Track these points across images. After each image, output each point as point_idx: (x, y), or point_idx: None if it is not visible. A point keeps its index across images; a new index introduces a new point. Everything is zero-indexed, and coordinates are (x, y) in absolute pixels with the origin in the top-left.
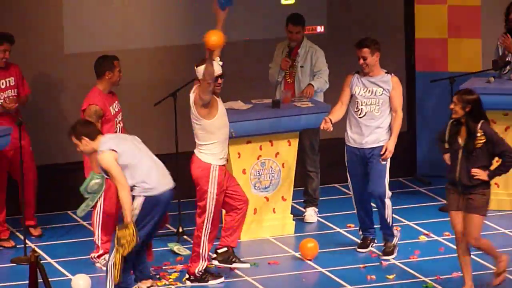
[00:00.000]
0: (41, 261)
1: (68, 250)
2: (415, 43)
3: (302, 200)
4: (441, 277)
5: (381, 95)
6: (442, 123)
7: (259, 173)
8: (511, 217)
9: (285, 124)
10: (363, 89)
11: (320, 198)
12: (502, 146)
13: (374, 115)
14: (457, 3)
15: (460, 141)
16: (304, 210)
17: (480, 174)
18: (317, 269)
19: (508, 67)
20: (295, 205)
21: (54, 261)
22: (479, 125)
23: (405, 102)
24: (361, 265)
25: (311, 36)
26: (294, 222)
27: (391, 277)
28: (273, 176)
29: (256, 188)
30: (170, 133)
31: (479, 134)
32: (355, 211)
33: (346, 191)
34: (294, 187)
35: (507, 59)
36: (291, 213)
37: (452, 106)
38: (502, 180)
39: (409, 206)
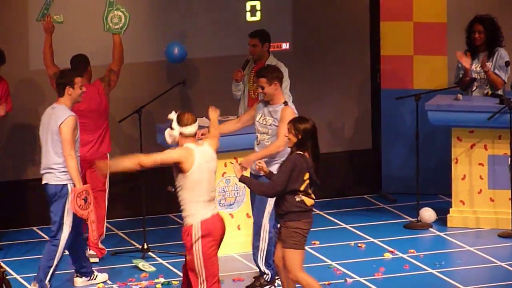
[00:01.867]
0: (7, 277)
1: (34, 265)
2: (381, 60)
3: None
4: None
5: (270, 125)
6: (407, 140)
7: (224, 190)
8: (475, 235)
9: (250, 141)
10: (262, 117)
11: None
12: (276, 175)
13: (264, 144)
14: (423, 20)
15: None
16: None
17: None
18: (280, 285)
19: (475, 84)
20: None
21: (20, 277)
22: (293, 153)
23: (371, 119)
24: (326, 282)
25: (277, 52)
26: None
27: None
28: (238, 193)
29: (221, 205)
30: (135, 150)
31: None
32: (318, 228)
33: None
34: None
35: (471, 77)
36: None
37: (286, 133)
38: (467, 198)
39: (374, 223)
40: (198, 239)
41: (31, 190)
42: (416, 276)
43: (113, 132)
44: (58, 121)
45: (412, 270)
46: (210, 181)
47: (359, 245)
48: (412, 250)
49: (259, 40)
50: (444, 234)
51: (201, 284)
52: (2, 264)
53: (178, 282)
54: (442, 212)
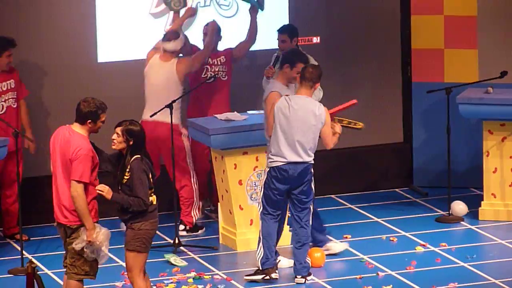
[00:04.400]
0: (38, 272)
1: None
2: (412, 53)
3: None
4: None
5: None
6: (438, 133)
7: (255, 184)
8: (507, 228)
9: None
10: None
11: (316, 209)
12: (136, 189)
13: None
14: (454, 13)
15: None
16: None
17: (104, 190)
18: (313, 280)
19: None
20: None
21: (51, 272)
22: (132, 159)
23: (402, 112)
24: (358, 276)
25: (307, 46)
26: (290, 233)
27: None
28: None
29: (252, 199)
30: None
31: (127, 170)
32: (350, 222)
33: (342, 201)
34: None
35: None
36: (287, 224)
37: (114, 137)
38: (499, 191)
39: (406, 217)
40: None
41: None
42: (447, 269)
43: None
44: None
45: (444, 263)
46: None
47: (391, 238)
48: (443, 244)
49: (288, 36)
50: (476, 227)
51: None
52: (33, 259)
53: (210, 276)
54: (474, 205)
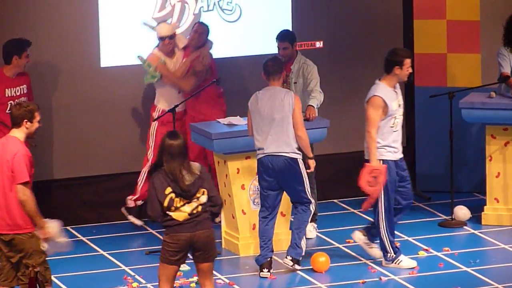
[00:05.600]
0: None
1: (68, 266)
2: (414, 58)
3: None
4: None
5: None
6: (441, 138)
7: (258, 188)
8: (510, 232)
9: None
10: (397, 102)
11: (319, 214)
12: None
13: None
14: (456, 17)
15: None
16: None
17: None
18: (316, 284)
19: None
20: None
21: (54, 277)
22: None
23: (405, 117)
24: (360, 280)
25: (310, 51)
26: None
27: None
28: None
29: (255, 203)
30: None
31: None
32: (352, 227)
33: (345, 206)
34: None
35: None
36: (290, 229)
37: None
38: (502, 196)
39: (409, 221)
40: None
41: (65, 189)
42: (450, 274)
43: (146, 130)
44: None
45: (447, 268)
46: None
47: (394, 243)
48: (446, 248)
49: (289, 42)
50: (479, 232)
51: None
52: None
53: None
54: (477, 210)
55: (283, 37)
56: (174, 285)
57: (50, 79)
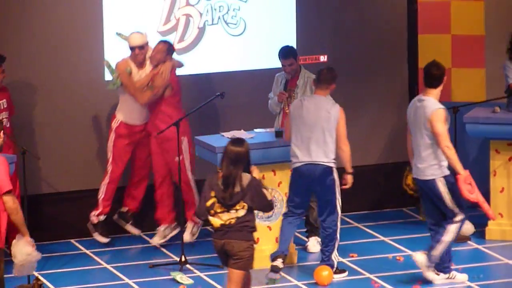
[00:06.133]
0: None
1: (71, 278)
2: (419, 72)
3: (305, 230)
4: None
5: None
6: None
7: None
8: None
9: (287, 153)
10: None
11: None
12: None
13: None
14: (461, 32)
15: None
16: (306, 239)
17: None
18: None
19: None
20: (298, 234)
21: None
22: None
23: None
24: None
25: (314, 65)
26: (296, 251)
27: None
28: (276, 206)
29: (259, 217)
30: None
31: None
32: (356, 241)
33: (349, 220)
34: None
35: None
36: (293, 243)
37: None
38: (506, 211)
39: (412, 236)
40: None
41: (68, 202)
42: None
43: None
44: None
45: (451, 283)
46: None
47: (397, 257)
48: (450, 263)
49: (293, 58)
50: (483, 247)
51: None
52: (40, 277)
53: None
54: (481, 225)
55: (287, 54)
56: None
57: (58, 94)
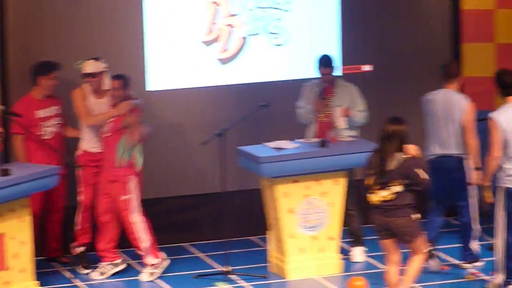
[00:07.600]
0: None
1: None
2: (463, 81)
3: (349, 240)
4: None
5: None
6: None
7: (306, 212)
8: None
9: (332, 163)
10: None
11: (367, 238)
12: None
13: None
14: (505, 41)
15: None
16: (351, 249)
17: None
18: None
19: None
20: (344, 244)
21: None
22: None
23: None
24: None
25: (357, 74)
26: (342, 261)
27: None
28: (320, 216)
29: (303, 227)
30: (217, 173)
31: None
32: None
33: None
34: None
35: None
36: (340, 252)
37: None
38: None
39: (456, 245)
40: None
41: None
42: None
43: (195, 155)
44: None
45: None
46: None
47: (443, 267)
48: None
49: (333, 67)
50: None
51: None
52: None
53: None
54: None
55: (328, 62)
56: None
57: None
